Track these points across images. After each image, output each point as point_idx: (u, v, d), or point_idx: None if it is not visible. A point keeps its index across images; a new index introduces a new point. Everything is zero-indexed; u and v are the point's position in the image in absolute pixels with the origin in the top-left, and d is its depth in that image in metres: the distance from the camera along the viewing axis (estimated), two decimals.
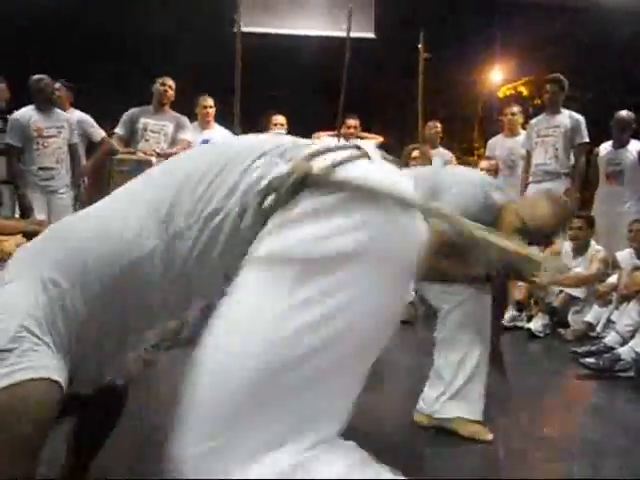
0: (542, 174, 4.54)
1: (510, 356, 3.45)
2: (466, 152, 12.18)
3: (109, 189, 3.83)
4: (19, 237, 3.65)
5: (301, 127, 5.39)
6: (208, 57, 6.17)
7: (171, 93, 4.56)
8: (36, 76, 4.26)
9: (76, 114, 4.65)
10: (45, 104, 4.25)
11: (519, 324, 3.99)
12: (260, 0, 5.17)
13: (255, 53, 4.75)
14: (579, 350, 3.25)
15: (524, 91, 13.00)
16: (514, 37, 9.92)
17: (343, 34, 4.70)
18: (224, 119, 4.95)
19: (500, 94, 13.06)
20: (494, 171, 4.60)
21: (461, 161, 10.69)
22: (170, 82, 4.56)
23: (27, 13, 6.24)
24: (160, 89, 4.52)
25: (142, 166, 4.26)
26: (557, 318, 3.91)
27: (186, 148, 4.61)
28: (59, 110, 4.39)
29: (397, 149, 4.85)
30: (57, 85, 4.44)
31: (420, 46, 4.57)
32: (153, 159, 4.28)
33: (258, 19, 5.12)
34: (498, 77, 12.69)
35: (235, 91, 4.63)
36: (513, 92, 13.00)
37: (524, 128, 4.98)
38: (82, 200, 4.45)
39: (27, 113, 4.26)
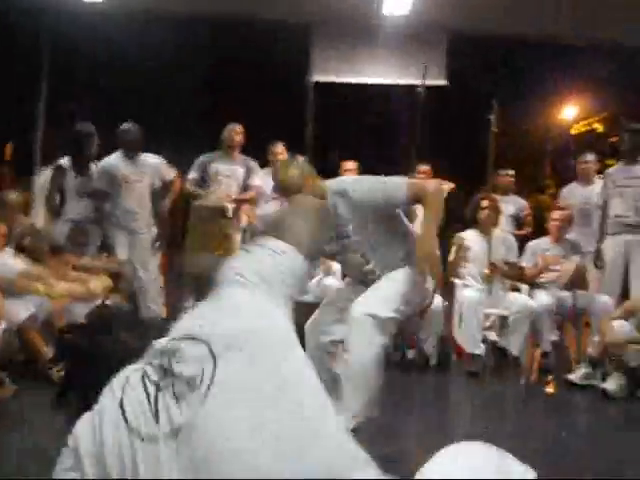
0: (620, 226, 4.42)
1: (583, 417, 3.37)
2: (537, 190, 11.92)
3: (186, 231, 3.99)
4: (104, 278, 3.90)
5: (374, 173, 5.50)
6: (282, 105, 6.40)
7: (240, 138, 4.73)
8: (125, 125, 4.56)
9: (152, 157, 4.89)
10: (132, 152, 4.54)
11: (593, 382, 3.84)
12: (334, 50, 5.32)
13: (328, 102, 4.90)
14: None
15: (599, 127, 12.65)
16: (587, 73, 9.73)
17: (416, 82, 4.78)
18: None
19: (573, 130, 12.76)
20: (568, 221, 4.49)
21: (532, 199, 10.51)
22: (238, 128, 4.74)
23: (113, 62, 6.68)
24: (228, 135, 4.70)
25: (218, 211, 4.46)
26: (635, 379, 3.74)
27: (257, 193, 4.79)
28: (143, 156, 4.66)
29: (467, 197, 4.83)
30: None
31: (492, 117, 4.57)
32: (228, 205, 4.47)
33: (332, 68, 5.27)
34: (571, 114, 12.43)
35: (306, 138, 4.80)
36: (587, 128, 12.68)
37: (600, 174, 4.87)
38: (161, 239, 4.71)
39: (114, 161, 4.57)
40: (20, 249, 3.71)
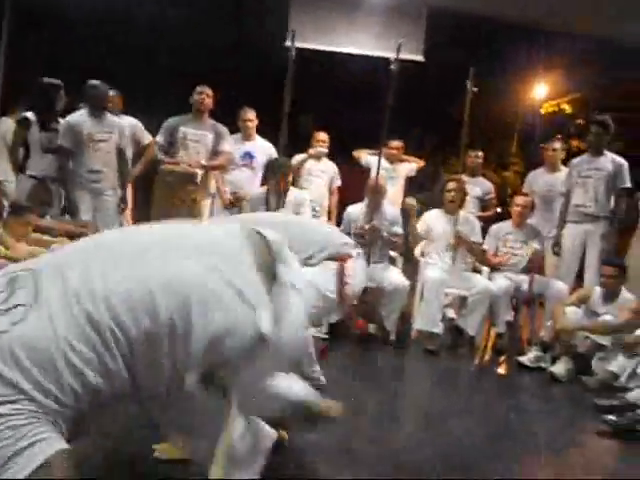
0: (580, 215, 4.54)
1: (530, 399, 3.54)
2: (503, 167, 12.09)
3: (153, 196, 3.97)
4: (67, 240, 3.81)
5: (344, 145, 5.50)
6: (258, 70, 6.27)
7: (209, 101, 4.59)
8: (91, 82, 4.40)
9: (126, 119, 4.79)
10: (98, 110, 4.39)
11: (543, 365, 4.01)
12: (312, 18, 5.21)
13: (304, 69, 4.82)
14: (600, 403, 3.27)
15: (567, 109, 12.83)
16: (559, 54, 9.80)
17: (393, 55, 4.73)
18: (269, 132, 5.05)
19: (543, 110, 12.90)
20: (530, 207, 4.60)
21: (497, 175, 10.67)
22: (208, 91, 4.59)
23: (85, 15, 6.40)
24: (198, 98, 4.58)
25: (187, 177, 4.40)
26: (581, 364, 3.92)
27: (227, 159, 4.72)
28: (110, 115, 4.52)
29: (434, 175, 4.89)
30: (111, 93, 4.57)
31: (468, 82, 4.58)
32: (198, 171, 4.41)
33: (309, 36, 5.17)
34: (541, 93, 12.54)
35: (284, 105, 4.73)
36: (556, 109, 12.84)
37: (564, 164, 4.97)
38: (126, 202, 4.62)
39: (80, 118, 4.41)
40: None
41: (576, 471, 2.56)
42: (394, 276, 4.27)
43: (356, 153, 5.33)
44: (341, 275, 2.54)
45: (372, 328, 4.42)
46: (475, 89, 4.70)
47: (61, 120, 4.42)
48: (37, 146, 4.36)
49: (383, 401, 3.11)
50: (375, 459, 2.33)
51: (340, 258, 2.58)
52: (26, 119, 4.34)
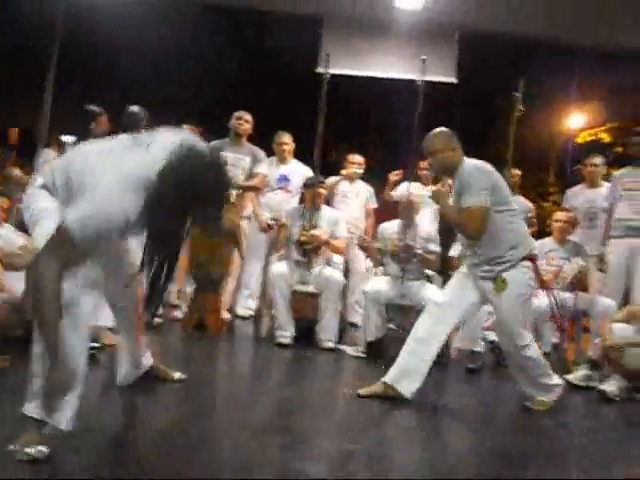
0: (625, 229, 4.40)
1: (581, 418, 3.34)
2: (541, 197, 11.91)
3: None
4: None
5: (379, 168, 5.50)
6: (292, 96, 6.39)
7: (247, 127, 4.70)
8: (130, 108, 4.54)
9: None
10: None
11: (592, 384, 3.82)
12: (345, 43, 5.30)
13: (338, 94, 4.88)
14: None
15: (605, 137, 12.64)
16: (596, 83, 9.72)
17: (427, 78, 4.75)
18: (304, 155, 5.09)
19: (579, 139, 12.75)
20: (572, 223, 4.46)
21: (535, 206, 10.47)
22: (247, 116, 4.71)
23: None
24: (236, 123, 4.68)
25: None
26: (634, 382, 3.71)
27: (262, 181, 4.77)
28: None
29: None
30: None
31: (517, 94, 4.50)
32: (233, 191, 4.46)
33: (343, 62, 5.25)
34: (578, 122, 12.41)
35: (317, 129, 4.76)
36: (593, 138, 12.67)
37: (605, 179, 4.85)
38: None
39: None
40: (21, 225, 3.69)
41: None
42: (431, 294, 4.16)
43: (386, 195, 5.32)
44: None
45: None
46: (522, 109, 4.61)
47: None
48: None
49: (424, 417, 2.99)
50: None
51: None
52: (61, 141, 4.49)
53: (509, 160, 4.67)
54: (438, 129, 3.13)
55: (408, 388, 2.99)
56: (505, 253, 2.98)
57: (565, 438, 2.89)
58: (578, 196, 4.93)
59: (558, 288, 4.28)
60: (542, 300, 4.18)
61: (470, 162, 3.00)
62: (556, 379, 3.20)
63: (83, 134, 4.51)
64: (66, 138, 4.52)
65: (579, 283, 4.26)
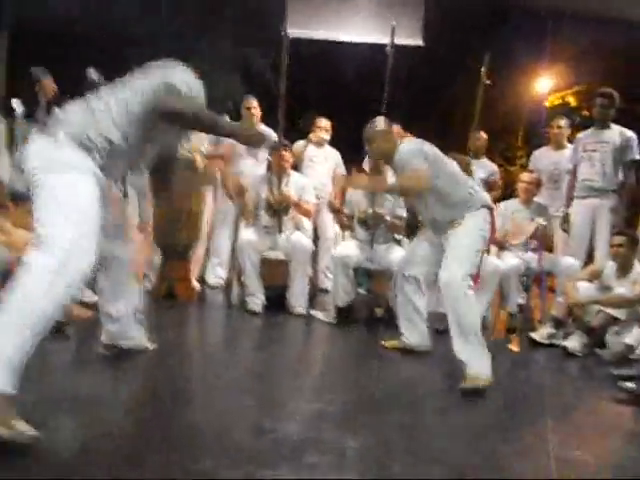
0: (587, 190, 4.47)
1: (545, 374, 3.44)
2: (508, 160, 12.01)
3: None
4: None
5: (344, 132, 5.45)
6: (255, 59, 6.27)
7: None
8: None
9: None
10: None
11: (556, 342, 3.93)
12: (308, 6, 5.19)
13: (302, 58, 4.80)
14: (618, 373, 3.19)
15: (572, 101, 12.72)
16: (564, 46, 9.72)
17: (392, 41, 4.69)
18: (270, 120, 5.02)
19: (547, 103, 12.81)
20: (536, 184, 4.51)
21: (502, 169, 10.57)
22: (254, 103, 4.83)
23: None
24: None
25: (188, 164, 4.38)
26: (595, 338, 3.83)
27: (229, 149, 4.70)
28: None
29: None
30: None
31: (483, 69, 4.49)
32: (198, 157, 4.38)
33: (306, 25, 5.15)
34: (546, 86, 12.44)
35: (280, 92, 4.69)
36: (561, 102, 12.74)
37: (570, 141, 4.90)
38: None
39: None
40: None
41: (596, 433, 2.48)
42: (399, 257, 4.19)
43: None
44: None
45: (379, 312, 4.35)
46: (488, 81, 4.61)
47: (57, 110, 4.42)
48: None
49: (392, 377, 3.04)
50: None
51: None
52: (10, 106, 4.40)
53: (475, 124, 4.69)
54: (375, 118, 3.30)
55: None
56: (459, 211, 3.05)
57: (530, 393, 2.97)
58: (543, 158, 4.97)
59: (522, 248, 4.35)
60: (508, 261, 4.26)
61: (405, 146, 3.11)
62: None
63: (30, 98, 4.43)
64: (14, 102, 4.42)
65: (543, 242, 4.32)
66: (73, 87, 4.53)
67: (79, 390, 2.37)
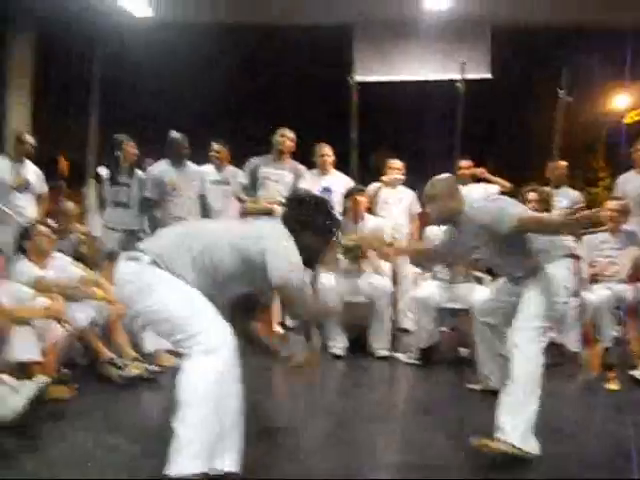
0: None
1: None
2: (590, 183, 11.53)
3: None
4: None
5: (418, 171, 5.45)
6: (326, 106, 6.42)
7: (290, 144, 4.76)
8: (172, 134, 4.71)
9: (231, 169, 5.05)
10: (179, 160, 4.71)
11: None
12: (376, 48, 5.29)
13: (371, 101, 4.88)
14: None
15: None
16: None
17: (458, 76, 4.70)
18: (344, 166, 5.11)
19: (627, 120, 12.28)
20: (624, 211, 4.30)
21: (585, 192, 10.15)
22: (290, 134, 4.76)
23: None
24: (279, 140, 4.74)
25: (266, 214, 4.52)
26: None
27: None
28: (190, 164, 4.83)
29: (517, 191, 4.70)
30: (217, 146, 4.96)
31: (562, 90, 4.39)
32: (277, 207, 4.50)
33: (374, 67, 5.24)
34: (625, 102, 11.96)
35: (351, 138, 4.79)
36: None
37: None
38: None
39: (163, 168, 4.78)
40: (77, 256, 3.86)
41: None
42: (481, 296, 4.10)
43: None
44: None
45: (463, 352, 4.25)
46: (570, 98, 4.48)
47: (140, 172, 4.79)
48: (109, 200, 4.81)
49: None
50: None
51: None
52: (97, 174, 4.76)
53: (555, 154, 4.56)
54: (441, 175, 2.99)
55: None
56: (540, 260, 2.75)
57: (633, 437, 2.79)
58: (629, 183, 4.74)
59: (615, 280, 4.15)
60: (600, 293, 4.07)
61: (474, 204, 2.82)
62: None
63: (113, 163, 4.79)
64: (101, 170, 4.81)
65: (636, 273, 4.10)
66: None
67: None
